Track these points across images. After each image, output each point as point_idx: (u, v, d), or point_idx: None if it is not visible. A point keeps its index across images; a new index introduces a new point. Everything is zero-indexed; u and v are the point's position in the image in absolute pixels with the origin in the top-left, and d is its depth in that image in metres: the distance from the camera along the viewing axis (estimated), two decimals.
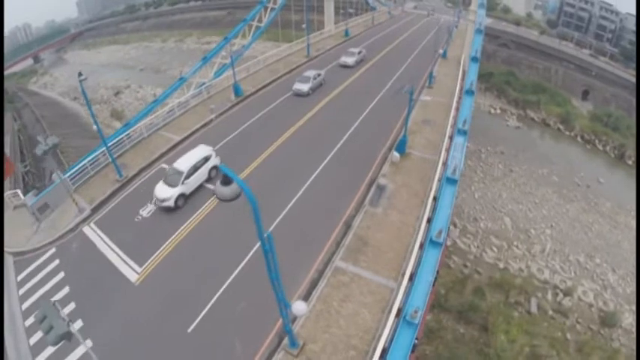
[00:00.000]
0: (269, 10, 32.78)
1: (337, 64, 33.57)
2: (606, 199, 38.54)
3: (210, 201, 17.44)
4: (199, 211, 16.93)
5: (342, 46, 40.62)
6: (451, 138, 21.29)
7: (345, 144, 21.30)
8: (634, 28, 76.18)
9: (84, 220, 16.82)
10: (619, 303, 28.28)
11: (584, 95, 59.24)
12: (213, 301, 12.95)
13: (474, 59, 22.34)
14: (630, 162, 47.17)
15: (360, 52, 34.23)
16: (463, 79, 36.34)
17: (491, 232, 30.11)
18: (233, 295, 13.11)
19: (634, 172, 45.79)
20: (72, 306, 13.19)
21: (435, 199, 15.63)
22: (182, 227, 15.96)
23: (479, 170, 36.96)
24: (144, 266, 14.26)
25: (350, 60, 32.95)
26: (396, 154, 19.05)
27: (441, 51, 33.71)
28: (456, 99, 27.15)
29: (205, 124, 24.36)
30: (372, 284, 13.61)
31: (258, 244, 7.99)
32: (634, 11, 76.67)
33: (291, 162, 19.98)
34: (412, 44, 43.75)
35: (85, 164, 18.90)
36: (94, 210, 17.30)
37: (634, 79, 60.65)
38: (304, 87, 26.95)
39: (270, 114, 24.98)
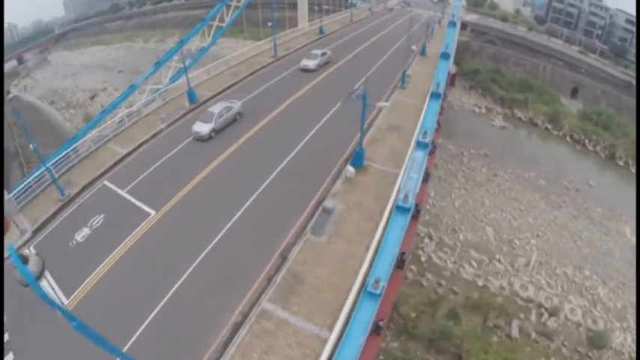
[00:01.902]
0: (232, 8, 29.31)
1: (298, 68, 29.43)
2: (597, 203, 35.54)
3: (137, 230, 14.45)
4: (132, 234, 14.51)
5: (314, 45, 37.26)
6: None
7: (293, 159, 18.05)
8: (624, 25, 72.88)
9: (25, 243, 14.83)
10: (609, 320, 25.36)
11: (574, 93, 56.06)
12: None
13: (443, 56, 18.76)
14: (621, 163, 44.19)
15: (324, 54, 30.08)
16: None
17: (471, 245, 27.04)
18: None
19: (625, 173, 42.88)
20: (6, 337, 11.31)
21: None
22: (116, 250, 13.80)
23: (460, 175, 33.81)
24: (71, 297, 12.32)
25: (311, 63, 28.80)
26: (350, 169, 15.90)
27: (414, 47, 30.44)
28: (428, 100, 24.11)
29: (155, 135, 21.21)
30: (302, 333, 10.82)
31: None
32: (624, 7, 73.43)
33: (230, 180, 16.88)
34: (390, 42, 40.37)
35: (29, 182, 17.14)
36: (36, 232, 15.41)
37: (624, 77, 57.50)
38: (204, 129, 19.89)
39: None
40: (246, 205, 15.27)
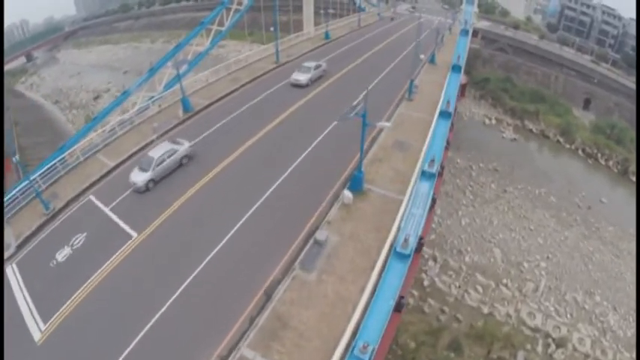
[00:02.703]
0: (232, 11, 27.79)
1: (289, 82, 26.42)
2: (609, 222, 33.44)
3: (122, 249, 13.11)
4: (112, 258, 13.35)
5: (320, 51, 35.64)
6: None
7: (284, 182, 16.31)
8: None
9: (9, 258, 14.17)
10: (619, 350, 23.51)
11: (586, 104, 53.67)
12: None
13: (454, 68, 16.69)
14: (634, 178, 41.86)
15: (317, 67, 26.96)
16: None
17: (477, 268, 25.22)
18: None
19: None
20: None
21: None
22: (95, 275, 12.76)
23: (468, 191, 31.94)
24: (48, 322, 11.55)
25: (302, 77, 25.70)
26: (347, 194, 14.28)
27: (423, 56, 28.65)
28: (438, 113, 22.38)
29: (144, 147, 19.83)
30: None
31: None
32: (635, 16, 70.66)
33: (216, 204, 15.33)
34: (398, 49, 38.59)
35: (15, 194, 16.35)
36: (20, 247, 14.72)
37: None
38: (140, 179, 16.32)
39: (209, 139, 20.09)
40: (230, 233, 13.75)
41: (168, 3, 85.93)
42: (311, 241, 13.03)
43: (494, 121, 46.72)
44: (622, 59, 67.32)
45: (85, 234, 14.48)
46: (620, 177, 42.02)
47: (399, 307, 11.24)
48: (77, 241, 14.29)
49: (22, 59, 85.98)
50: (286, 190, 15.70)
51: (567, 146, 43.69)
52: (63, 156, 18.55)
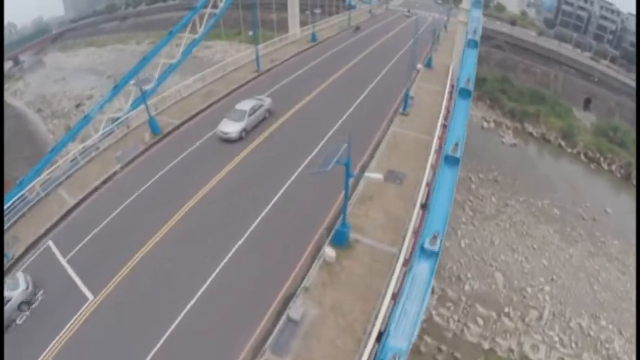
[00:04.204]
0: (207, 16, 24.71)
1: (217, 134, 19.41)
2: (614, 235, 31.09)
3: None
4: (67, 326, 10.77)
5: (305, 55, 32.53)
6: (425, 207, 13.94)
7: (249, 242, 13.11)
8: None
9: None
10: None
11: (586, 104, 50.99)
12: None
13: (462, 93, 13.14)
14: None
15: (254, 109, 19.53)
16: (452, 97, 28.65)
17: (477, 297, 22.80)
18: None
19: None
20: None
21: (379, 337, 8.49)
22: (48, 348, 10.23)
23: (467, 207, 29.35)
24: None
25: (233, 129, 18.38)
26: (329, 253, 11.64)
27: (420, 66, 25.84)
28: (438, 133, 19.62)
29: (107, 179, 17.05)
30: None
31: None
32: (635, 11, 67.57)
33: (171, 269, 12.39)
34: (391, 51, 35.63)
35: None
36: None
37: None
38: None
39: (165, 179, 16.67)
40: (190, 305, 11.08)
41: (155, 2, 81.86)
42: (284, 317, 10.43)
43: (492, 124, 43.98)
44: (621, 55, 64.43)
45: (42, 291, 11.95)
46: (623, 182, 39.65)
47: None
48: (36, 299, 11.78)
49: (9, 64, 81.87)
50: (251, 251, 12.75)
51: (569, 150, 41.14)
52: (22, 193, 15.90)
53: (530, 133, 42.73)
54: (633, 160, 40.41)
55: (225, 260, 12.33)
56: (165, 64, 22.51)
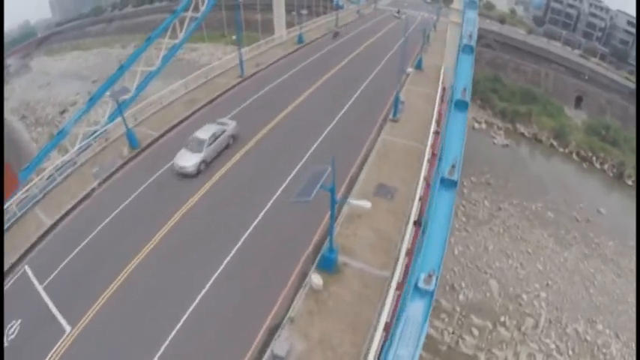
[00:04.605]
0: (188, 20, 23.53)
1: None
2: (609, 236, 30.74)
3: None
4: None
5: (291, 58, 31.53)
6: (419, 224, 13.15)
7: (228, 271, 12.08)
8: (625, 27, 67.21)
9: None
10: None
11: (577, 102, 50.78)
12: None
13: (458, 105, 11.47)
14: (630, 182, 39.30)
15: (216, 136, 17.01)
16: (444, 101, 27.90)
17: (472, 307, 22.15)
18: None
19: (634, 193, 38.07)
20: None
21: None
22: None
23: (460, 212, 28.69)
24: None
25: (189, 163, 15.89)
26: (316, 281, 10.77)
27: (410, 70, 25.07)
28: (430, 140, 18.82)
29: (85, 197, 15.97)
30: None
31: None
32: (625, 8, 67.67)
33: (150, 297, 11.45)
34: (380, 52, 34.79)
35: None
36: None
37: (628, 83, 52.30)
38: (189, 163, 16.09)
39: (143, 198, 15.57)
40: (170, 338, 10.16)
41: (142, 4, 79.89)
42: (269, 353, 9.56)
43: (484, 125, 43.44)
44: (610, 53, 64.50)
45: (19, 321, 10.98)
46: (615, 181, 39.44)
47: None
48: (12, 330, 10.85)
49: None
50: (231, 279, 11.79)
51: (561, 150, 40.80)
52: None
53: (522, 134, 42.30)
54: (625, 159, 40.24)
55: (205, 290, 11.41)
56: (144, 72, 21.35)
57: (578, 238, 29.72)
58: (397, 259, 11.86)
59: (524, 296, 23.94)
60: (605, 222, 32.33)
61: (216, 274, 11.83)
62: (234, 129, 18.31)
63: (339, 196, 14.21)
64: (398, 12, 54.30)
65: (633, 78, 53.28)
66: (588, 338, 23.17)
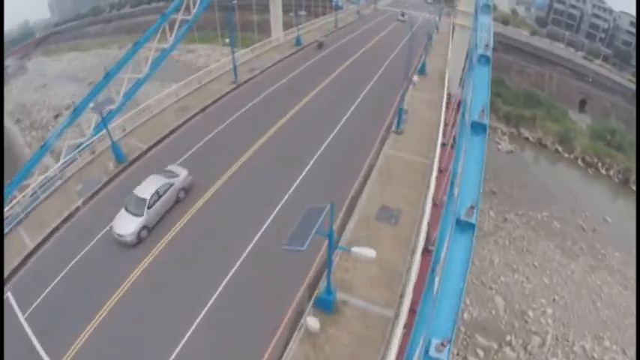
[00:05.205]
0: (178, 22, 22.15)
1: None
2: (615, 246, 29.64)
3: None
4: None
5: (291, 60, 30.12)
6: (429, 251, 11.97)
7: (221, 301, 10.97)
8: (628, 28, 65.75)
9: None
10: None
11: (582, 106, 49.47)
12: None
13: (475, 128, 9.15)
14: (635, 187, 38.20)
15: (160, 193, 13.76)
16: (449, 108, 26.52)
17: (477, 326, 21.02)
18: None
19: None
20: None
21: None
22: None
23: None
24: None
25: (127, 230, 12.72)
26: (312, 324, 9.58)
27: (415, 78, 23.77)
28: (437, 155, 17.45)
29: (70, 216, 14.77)
30: None
31: None
32: (628, 9, 66.12)
33: (135, 334, 10.33)
34: (381, 55, 33.42)
35: None
36: None
37: (632, 85, 50.91)
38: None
39: None
40: None
41: (139, 4, 78.26)
42: None
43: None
44: (613, 54, 63.04)
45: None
46: (621, 187, 38.29)
47: None
48: None
49: None
50: (216, 324, 10.50)
51: (566, 155, 39.60)
52: None
53: (527, 139, 41.06)
54: (631, 165, 39.05)
55: (191, 331, 10.24)
56: (132, 80, 20.03)
57: (585, 249, 28.59)
58: (402, 295, 10.68)
59: (531, 313, 22.83)
60: (611, 231, 31.22)
61: (202, 314, 10.66)
62: (184, 180, 14.75)
63: (337, 222, 13.01)
64: (402, 14, 51.48)
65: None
66: (595, 355, 22.17)
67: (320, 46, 33.90)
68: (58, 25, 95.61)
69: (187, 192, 14.98)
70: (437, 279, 8.05)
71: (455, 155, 10.20)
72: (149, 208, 13.06)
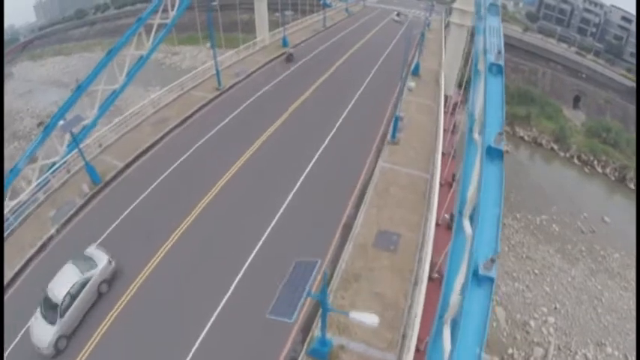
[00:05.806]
0: (156, 26, 20.61)
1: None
2: (614, 247, 28.96)
3: None
4: None
5: (277, 63, 28.69)
6: (433, 280, 10.77)
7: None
8: (619, 22, 65.08)
9: None
10: None
11: (576, 102, 48.69)
12: None
13: (491, 154, 7.48)
14: (632, 185, 37.55)
15: (78, 291, 10.68)
16: (446, 112, 25.37)
17: None
18: None
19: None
20: None
21: None
22: None
23: None
24: None
25: (43, 344, 9.92)
26: None
27: (412, 84, 22.51)
28: (437, 169, 16.11)
29: (43, 247, 13.34)
30: None
31: None
32: (618, 3, 65.46)
33: None
34: (371, 55, 32.09)
35: None
36: None
37: (626, 81, 50.30)
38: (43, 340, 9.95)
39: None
40: None
41: (124, 6, 75.60)
42: None
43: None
44: (605, 49, 62.38)
45: None
46: (618, 185, 37.61)
47: None
48: None
49: None
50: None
51: (562, 154, 38.77)
52: None
53: (522, 137, 40.16)
54: (628, 163, 38.38)
55: None
56: (107, 91, 18.53)
57: (585, 252, 27.82)
58: (405, 337, 9.53)
59: (532, 323, 21.96)
60: (610, 231, 30.52)
61: None
62: (105, 271, 11.42)
63: (329, 252, 11.80)
64: (398, 15, 48.93)
65: (631, 75, 51.34)
66: None
67: (289, 57, 28.85)
68: (43, 28, 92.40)
69: (111, 283, 11.61)
70: (445, 329, 6.88)
71: (461, 184, 8.78)
72: (61, 316, 10.20)
